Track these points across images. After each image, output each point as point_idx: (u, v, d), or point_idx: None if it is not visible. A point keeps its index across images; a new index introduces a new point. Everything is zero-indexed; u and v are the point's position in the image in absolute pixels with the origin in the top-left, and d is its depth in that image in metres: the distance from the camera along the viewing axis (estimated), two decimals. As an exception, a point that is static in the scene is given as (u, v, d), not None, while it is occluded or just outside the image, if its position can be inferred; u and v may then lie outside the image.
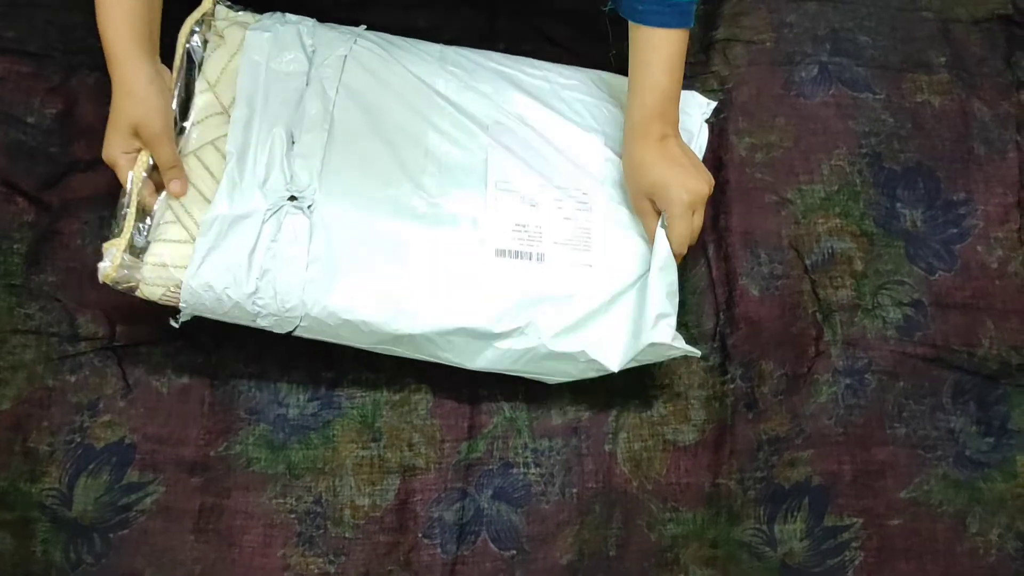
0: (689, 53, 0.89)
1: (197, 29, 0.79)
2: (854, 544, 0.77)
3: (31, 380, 0.77)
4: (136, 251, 0.73)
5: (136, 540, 0.74)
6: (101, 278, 0.72)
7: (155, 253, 0.72)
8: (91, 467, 0.75)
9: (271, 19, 0.81)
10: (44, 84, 0.85)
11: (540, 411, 0.79)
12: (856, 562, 0.76)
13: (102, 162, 0.76)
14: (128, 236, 0.72)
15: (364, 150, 0.76)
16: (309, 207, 0.73)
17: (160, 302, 0.73)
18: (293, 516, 0.75)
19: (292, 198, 0.73)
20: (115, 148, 0.73)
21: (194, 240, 0.72)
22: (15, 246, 0.81)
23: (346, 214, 0.74)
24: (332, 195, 0.74)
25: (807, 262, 0.83)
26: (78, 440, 0.76)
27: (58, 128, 0.84)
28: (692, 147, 0.80)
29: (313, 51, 0.79)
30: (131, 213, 0.73)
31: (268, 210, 0.72)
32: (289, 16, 0.81)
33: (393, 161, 0.76)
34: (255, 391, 0.78)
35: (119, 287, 0.72)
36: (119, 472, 0.75)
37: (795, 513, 0.77)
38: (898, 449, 0.79)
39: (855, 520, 0.77)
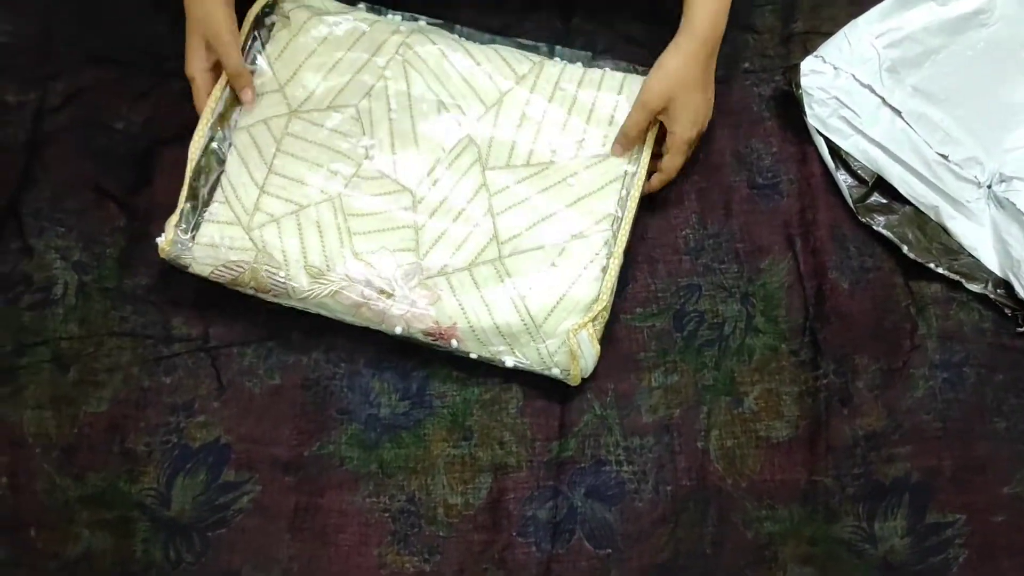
0: (768, 46, 0.90)
1: (268, 11, 0.82)
2: (957, 541, 0.75)
3: (127, 382, 0.78)
4: (194, 228, 0.77)
5: (233, 539, 0.75)
6: (160, 252, 0.75)
7: (205, 234, 0.76)
8: (188, 467, 0.76)
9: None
10: (132, 91, 0.87)
11: (630, 409, 0.78)
12: (960, 559, 0.74)
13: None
14: (179, 212, 0.76)
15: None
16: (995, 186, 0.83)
17: (210, 278, 0.76)
18: (387, 515, 0.76)
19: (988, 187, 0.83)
20: (195, 64, 0.78)
21: (240, 222, 0.75)
22: (108, 250, 0.82)
23: None
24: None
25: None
26: (174, 440, 0.77)
27: (145, 134, 0.86)
28: None
29: None
30: (184, 192, 0.77)
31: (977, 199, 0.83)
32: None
33: None
34: (347, 391, 0.79)
35: (176, 263, 0.76)
36: (215, 471, 0.76)
37: (895, 510, 0.76)
38: (999, 444, 0.77)
39: (958, 516, 0.75)
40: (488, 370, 0.79)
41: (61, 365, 0.78)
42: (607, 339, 0.80)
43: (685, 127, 0.78)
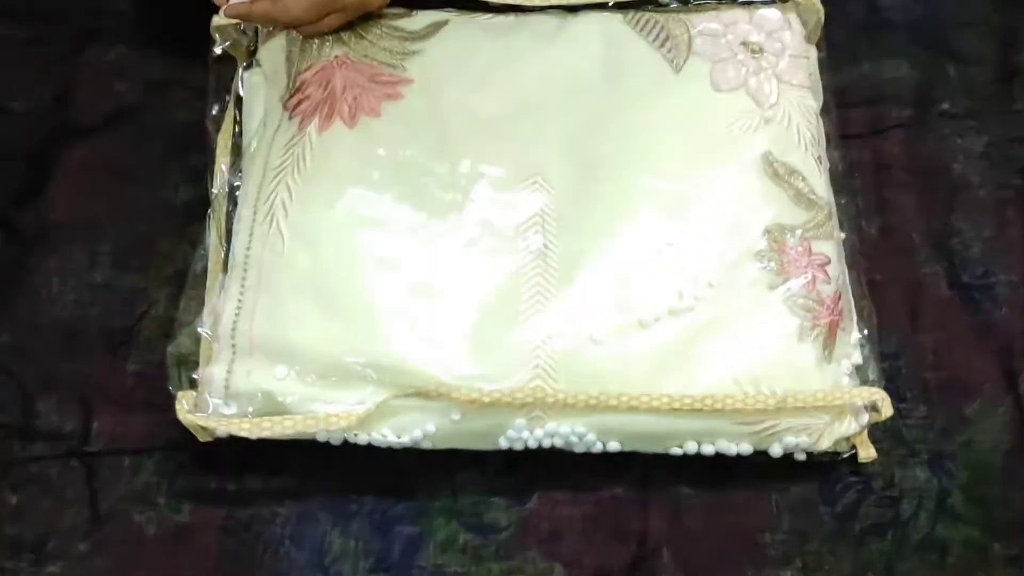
0: (977, 82, 0.67)
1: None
2: None
3: (-47, 495, 0.52)
4: None
5: None
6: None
7: None
8: (20, 652, 0.48)
9: None
10: (43, 58, 0.66)
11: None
12: None
13: (99, 176, 0.58)
14: None
15: None
16: None
17: None
18: None
19: None
20: None
21: None
22: (-34, 284, 0.58)
23: None
24: None
25: None
26: (8, 603, 0.49)
27: (48, 120, 0.64)
28: None
29: None
30: None
31: None
32: None
33: None
34: (290, 544, 0.51)
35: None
36: (63, 663, 0.48)
37: None
38: None
39: None
40: (519, 530, 0.51)
41: None
42: (711, 509, 0.52)
43: None
